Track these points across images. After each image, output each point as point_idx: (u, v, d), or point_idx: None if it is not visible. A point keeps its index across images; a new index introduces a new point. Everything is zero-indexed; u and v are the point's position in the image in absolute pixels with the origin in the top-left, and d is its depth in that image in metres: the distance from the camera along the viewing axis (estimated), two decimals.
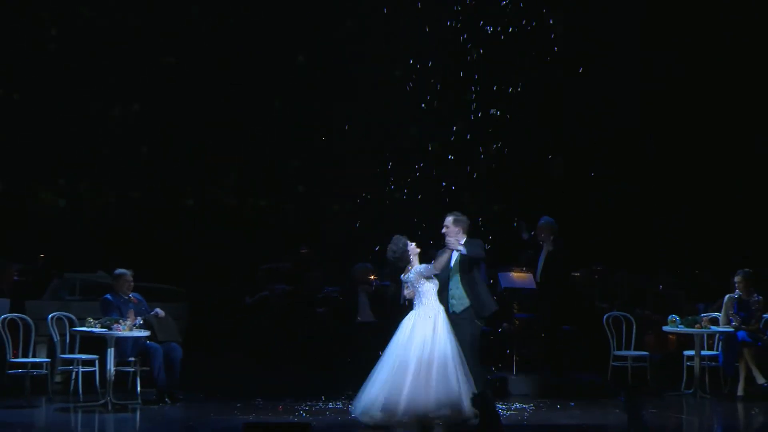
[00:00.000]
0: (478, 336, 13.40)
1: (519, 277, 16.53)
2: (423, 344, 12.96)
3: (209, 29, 20.05)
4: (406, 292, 13.32)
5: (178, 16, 20.08)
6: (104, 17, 19.93)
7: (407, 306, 13.37)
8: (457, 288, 13.35)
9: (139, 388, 14.69)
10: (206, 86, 19.91)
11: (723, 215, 19.80)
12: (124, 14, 19.99)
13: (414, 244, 13.38)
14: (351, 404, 13.33)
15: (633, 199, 20.14)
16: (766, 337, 15.56)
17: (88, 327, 14.20)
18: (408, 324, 13.14)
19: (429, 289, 13.14)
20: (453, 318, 13.19)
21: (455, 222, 13.39)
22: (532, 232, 16.90)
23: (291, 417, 13.42)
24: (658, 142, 20.28)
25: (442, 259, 13.23)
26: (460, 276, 13.34)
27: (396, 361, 12.94)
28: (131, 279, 14.77)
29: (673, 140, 20.13)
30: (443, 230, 13.42)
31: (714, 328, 15.52)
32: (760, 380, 15.29)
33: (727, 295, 15.70)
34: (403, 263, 13.25)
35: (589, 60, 19.55)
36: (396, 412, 12.77)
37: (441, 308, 13.16)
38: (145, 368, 14.76)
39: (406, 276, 13.23)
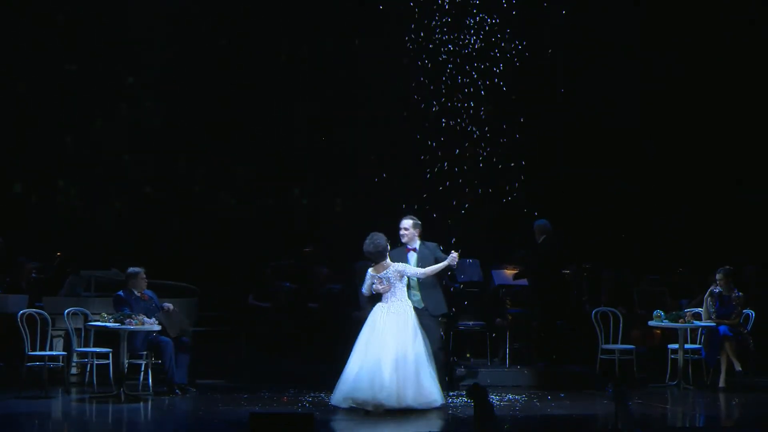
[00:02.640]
0: (436, 326, 13.97)
1: (512, 274, 16.83)
2: (403, 341, 13.41)
3: (209, 29, 20.09)
4: (380, 286, 13.59)
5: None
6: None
7: (376, 298, 13.76)
8: (417, 288, 13.90)
9: (150, 380, 14.96)
10: (207, 86, 19.95)
11: (723, 215, 19.82)
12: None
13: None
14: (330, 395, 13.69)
15: (633, 199, 20.10)
16: (745, 331, 15.77)
17: (102, 322, 14.49)
18: (381, 316, 13.53)
19: (402, 286, 13.64)
20: (418, 312, 13.72)
21: (414, 226, 13.92)
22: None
23: (295, 407, 13.69)
24: (658, 142, 20.20)
25: (435, 267, 13.71)
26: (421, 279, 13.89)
27: (376, 354, 13.34)
28: (144, 277, 14.98)
29: (673, 140, 20.06)
30: (402, 232, 13.92)
31: (697, 322, 15.70)
32: (738, 368, 15.45)
33: (709, 289, 15.88)
34: (380, 259, 13.64)
35: (589, 60, 19.67)
36: (373, 402, 13.24)
37: (410, 304, 13.66)
38: (156, 361, 15.01)
39: (385, 272, 13.59)
